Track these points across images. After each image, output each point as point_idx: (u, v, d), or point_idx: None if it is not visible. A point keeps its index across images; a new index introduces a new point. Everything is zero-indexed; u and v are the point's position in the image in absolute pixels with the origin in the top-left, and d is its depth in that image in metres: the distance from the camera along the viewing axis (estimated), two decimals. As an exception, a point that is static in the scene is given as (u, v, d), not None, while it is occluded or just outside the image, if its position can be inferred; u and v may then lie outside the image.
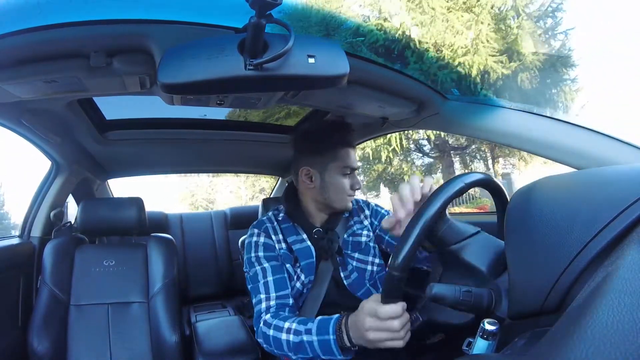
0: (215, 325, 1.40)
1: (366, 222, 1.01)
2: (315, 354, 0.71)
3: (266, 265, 0.89)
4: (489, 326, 0.46)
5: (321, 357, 0.71)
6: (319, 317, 0.74)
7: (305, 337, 0.72)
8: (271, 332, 0.78)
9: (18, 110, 0.96)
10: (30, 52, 0.63)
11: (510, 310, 0.45)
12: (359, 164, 0.97)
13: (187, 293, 1.95)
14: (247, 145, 1.58)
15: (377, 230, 1.02)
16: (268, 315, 0.82)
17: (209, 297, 2.00)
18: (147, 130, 1.39)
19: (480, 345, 0.47)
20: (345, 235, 0.97)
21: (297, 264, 0.92)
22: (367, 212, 1.03)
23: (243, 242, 1.20)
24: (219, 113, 1.40)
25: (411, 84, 0.84)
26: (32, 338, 1.09)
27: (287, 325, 0.76)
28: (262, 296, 0.85)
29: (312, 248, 0.93)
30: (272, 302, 0.84)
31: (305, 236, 0.95)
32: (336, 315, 0.72)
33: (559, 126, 0.79)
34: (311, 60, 0.59)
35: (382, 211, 1.04)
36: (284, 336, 0.75)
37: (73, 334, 1.15)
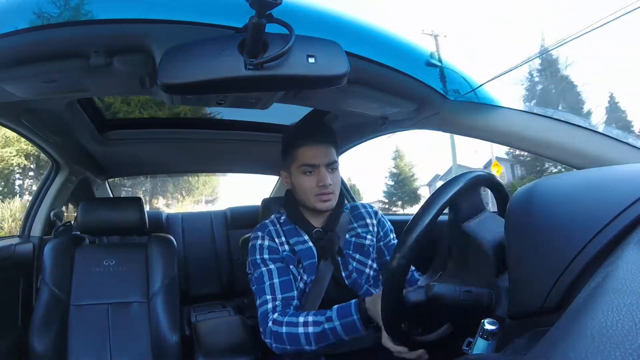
0: (215, 325, 1.40)
1: (372, 228, 1.02)
2: (338, 338, 0.76)
3: (272, 267, 0.90)
4: (489, 326, 0.46)
5: (343, 339, 0.76)
6: (335, 306, 0.79)
7: (326, 325, 0.77)
8: (284, 329, 0.80)
9: (18, 110, 0.96)
10: (30, 52, 0.63)
11: (510, 310, 0.45)
12: (330, 159, 0.93)
13: (187, 293, 1.95)
14: (247, 145, 1.58)
15: (380, 243, 1.02)
16: (276, 314, 0.83)
17: (209, 297, 1.99)
18: (147, 130, 1.39)
19: (480, 345, 0.47)
20: (347, 236, 0.98)
21: (300, 265, 0.92)
22: (374, 221, 1.03)
23: (243, 241, 1.20)
24: (218, 113, 1.40)
25: (411, 84, 0.84)
26: (32, 338, 1.09)
27: (301, 319, 0.79)
28: (268, 297, 0.86)
29: (314, 248, 0.94)
30: (278, 302, 0.86)
31: (306, 237, 0.95)
32: (354, 300, 0.78)
33: (559, 126, 0.79)
34: (311, 60, 0.59)
35: (388, 225, 1.05)
36: (300, 330, 0.78)
37: (73, 334, 1.15)
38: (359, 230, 1.00)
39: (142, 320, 1.21)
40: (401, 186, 18.25)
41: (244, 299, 1.95)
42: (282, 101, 0.92)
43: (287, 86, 0.69)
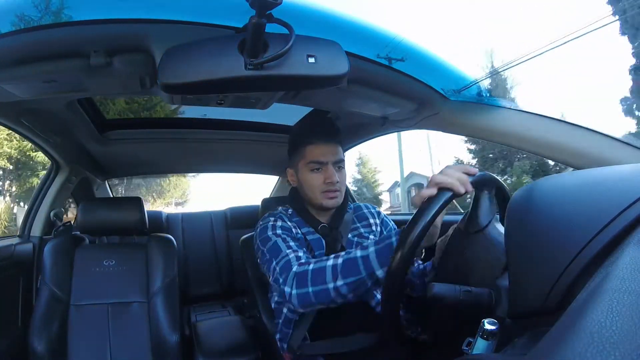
0: (215, 325, 1.40)
1: (375, 228, 1.02)
2: (369, 269, 0.67)
3: (286, 237, 0.87)
4: (489, 326, 0.46)
5: (374, 273, 0.67)
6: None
7: (360, 253, 0.69)
8: (311, 266, 0.73)
9: (18, 109, 0.96)
10: (30, 52, 0.63)
11: (510, 310, 0.45)
12: (337, 157, 0.94)
13: (187, 293, 1.95)
14: (247, 145, 1.58)
15: None
16: (303, 259, 0.78)
17: (209, 297, 2.00)
18: (147, 130, 1.39)
19: (480, 345, 0.47)
20: (350, 236, 0.98)
21: (311, 254, 0.92)
22: (378, 221, 1.04)
23: (243, 242, 1.20)
24: (219, 113, 1.40)
25: (411, 84, 0.84)
26: (32, 338, 1.09)
27: (332, 255, 0.73)
28: (288, 251, 0.81)
29: (323, 240, 0.94)
30: (301, 254, 0.80)
31: (313, 230, 0.96)
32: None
33: (559, 126, 0.79)
34: (311, 60, 0.59)
35: (391, 224, 1.05)
36: (330, 262, 0.71)
37: (73, 334, 1.15)
38: (362, 230, 1.00)
39: (142, 320, 1.21)
40: (363, 192, 18.57)
41: (244, 299, 1.95)
42: (282, 101, 0.92)
43: (287, 86, 0.69)
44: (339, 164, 0.94)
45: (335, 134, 0.96)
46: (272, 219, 0.94)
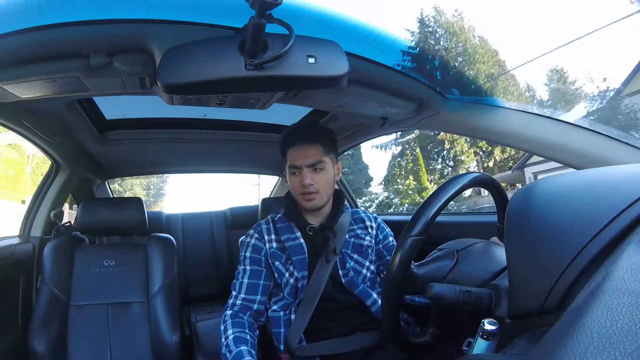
0: (215, 325, 1.40)
1: (371, 231, 1.03)
2: None
3: (247, 267, 0.97)
4: (489, 326, 0.46)
5: None
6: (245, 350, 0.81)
7: (224, 350, 0.84)
8: (222, 327, 0.90)
9: (18, 110, 0.96)
10: (30, 52, 0.63)
11: (510, 310, 0.45)
12: (312, 160, 0.95)
13: (187, 293, 1.95)
14: (247, 145, 1.58)
15: (379, 245, 1.03)
16: (230, 312, 0.92)
17: (209, 297, 1.99)
18: (147, 130, 1.39)
19: (480, 345, 0.47)
20: (347, 236, 0.98)
21: (289, 261, 0.95)
22: (374, 224, 1.05)
23: (242, 242, 1.21)
24: (219, 113, 1.40)
25: (411, 84, 0.84)
26: (32, 338, 1.09)
27: (229, 332, 0.87)
28: (234, 293, 0.96)
29: (304, 245, 0.95)
30: (238, 302, 0.94)
31: (299, 234, 0.97)
32: None
33: (559, 126, 0.79)
34: (311, 61, 0.59)
35: (387, 230, 1.07)
36: (223, 338, 0.87)
37: (73, 334, 1.15)
38: (358, 231, 1.01)
39: (142, 320, 1.21)
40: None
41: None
42: (282, 101, 0.92)
43: (287, 86, 0.69)
44: (315, 166, 0.93)
45: (313, 135, 0.96)
46: (251, 232, 1.02)
